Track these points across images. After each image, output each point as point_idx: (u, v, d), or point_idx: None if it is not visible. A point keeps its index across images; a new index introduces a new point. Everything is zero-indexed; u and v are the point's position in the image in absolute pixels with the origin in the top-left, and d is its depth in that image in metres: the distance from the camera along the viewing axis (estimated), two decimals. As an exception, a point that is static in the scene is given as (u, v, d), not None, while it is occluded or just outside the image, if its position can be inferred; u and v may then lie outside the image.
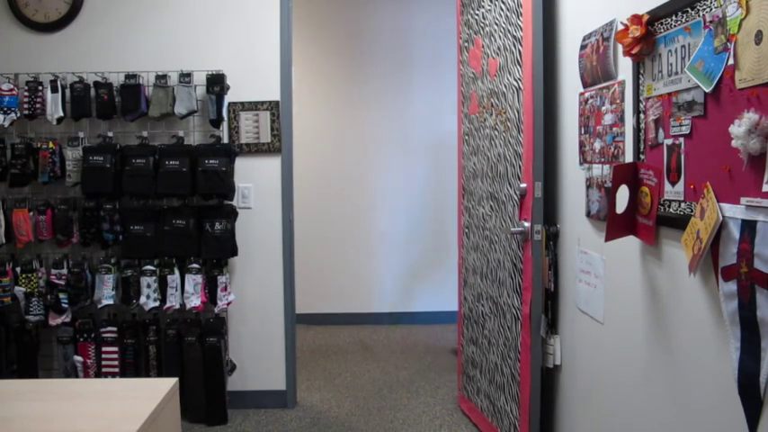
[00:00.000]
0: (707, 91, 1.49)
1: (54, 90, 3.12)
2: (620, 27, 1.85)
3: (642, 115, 1.84)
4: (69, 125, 3.24)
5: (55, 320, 3.15)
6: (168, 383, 1.61)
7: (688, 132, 1.60)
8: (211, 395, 3.19)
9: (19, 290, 3.12)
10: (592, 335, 2.29)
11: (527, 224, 2.51)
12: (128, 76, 3.17)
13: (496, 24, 2.78)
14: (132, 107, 3.17)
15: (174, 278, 3.15)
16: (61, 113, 3.14)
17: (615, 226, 1.91)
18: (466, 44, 3.21)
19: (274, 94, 3.35)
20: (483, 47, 2.96)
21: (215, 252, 3.16)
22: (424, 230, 5.11)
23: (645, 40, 1.76)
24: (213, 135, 3.25)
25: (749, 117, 1.31)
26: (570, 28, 2.44)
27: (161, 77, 3.16)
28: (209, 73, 3.18)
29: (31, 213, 3.15)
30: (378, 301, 5.07)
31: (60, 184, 3.21)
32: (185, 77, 3.17)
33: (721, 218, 1.42)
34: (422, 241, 5.12)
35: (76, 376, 3.16)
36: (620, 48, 1.91)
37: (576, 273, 2.39)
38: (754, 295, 1.32)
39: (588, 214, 2.27)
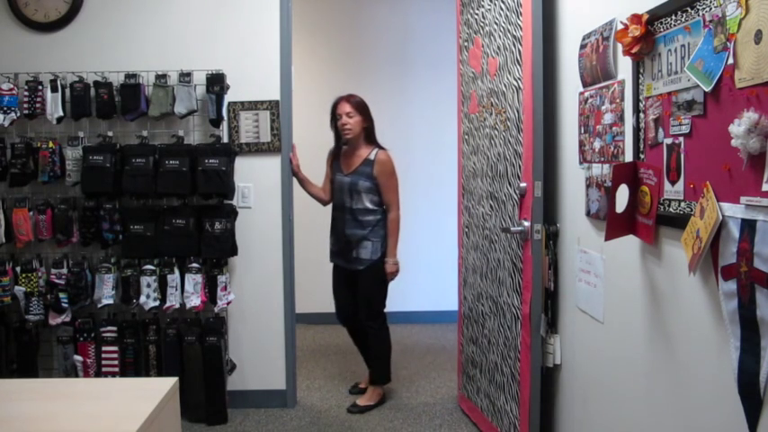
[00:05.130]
0: (706, 90, 1.49)
1: (54, 90, 3.12)
2: (620, 26, 1.85)
3: (642, 114, 1.84)
4: (69, 125, 3.23)
5: (55, 320, 3.15)
6: (168, 383, 1.61)
7: (688, 132, 1.60)
8: (211, 395, 3.19)
9: (19, 289, 3.12)
10: (592, 334, 2.29)
11: (527, 223, 2.51)
12: (127, 76, 3.16)
13: (496, 24, 2.78)
14: (132, 107, 3.16)
15: (173, 278, 3.15)
16: (61, 113, 3.14)
17: (615, 225, 1.91)
18: (466, 43, 3.21)
19: (274, 94, 3.35)
20: (483, 46, 2.95)
21: (215, 251, 3.16)
22: (424, 230, 5.11)
23: (644, 39, 1.76)
24: (213, 134, 3.25)
25: (749, 116, 1.30)
26: (570, 27, 2.44)
27: (161, 77, 3.16)
28: (209, 72, 3.18)
29: (31, 213, 3.15)
30: (378, 300, 5.06)
31: (60, 184, 3.21)
32: (185, 77, 3.17)
33: (721, 217, 1.42)
34: (422, 241, 5.12)
35: (76, 376, 3.16)
36: (619, 47, 1.91)
37: (576, 272, 2.39)
38: (754, 294, 1.32)
39: (588, 213, 2.27)
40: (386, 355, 3.48)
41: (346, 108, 3.33)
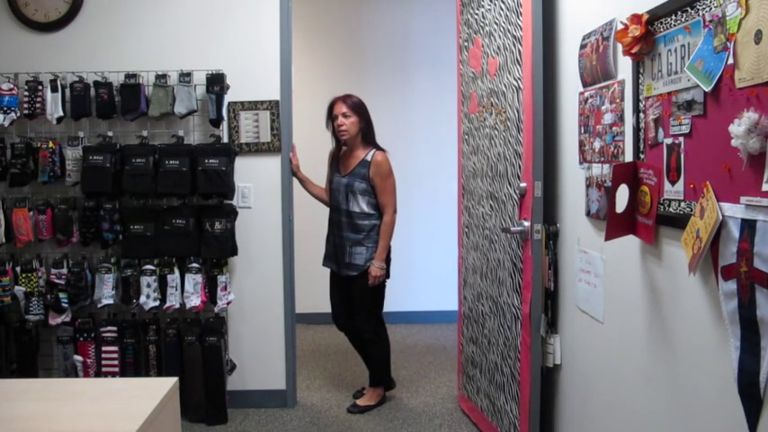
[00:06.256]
0: (706, 90, 1.49)
1: (54, 90, 3.12)
2: (620, 26, 1.85)
3: (642, 114, 1.84)
4: (69, 125, 3.23)
5: (55, 320, 3.15)
6: (168, 383, 1.61)
7: (688, 132, 1.60)
8: (211, 395, 3.19)
9: (19, 289, 3.12)
10: (592, 334, 2.29)
11: (527, 223, 2.51)
12: (128, 76, 3.16)
13: (496, 24, 2.78)
14: (132, 107, 3.16)
15: (173, 278, 3.15)
16: (61, 113, 3.14)
17: (615, 225, 1.91)
18: (466, 43, 3.21)
19: (274, 94, 3.35)
20: (483, 46, 2.96)
21: (215, 252, 3.16)
22: (424, 230, 5.11)
23: (644, 39, 1.76)
24: (213, 134, 3.25)
25: (749, 116, 1.31)
26: (570, 27, 2.44)
27: (161, 77, 3.16)
28: (209, 72, 3.18)
29: (31, 213, 3.15)
30: (378, 300, 5.06)
31: (60, 184, 3.21)
32: (185, 77, 3.17)
33: (721, 217, 1.42)
34: (421, 241, 5.12)
35: (76, 376, 3.16)
36: (619, 47, 1.91)
37: (576, 272, 2.39)
38: (754, 294, 1.32)
39: (588, 213, 2.27)
40: (385, 359, 3.48)
41: (342, 108, 3.31)
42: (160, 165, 3.10)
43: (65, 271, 3.15)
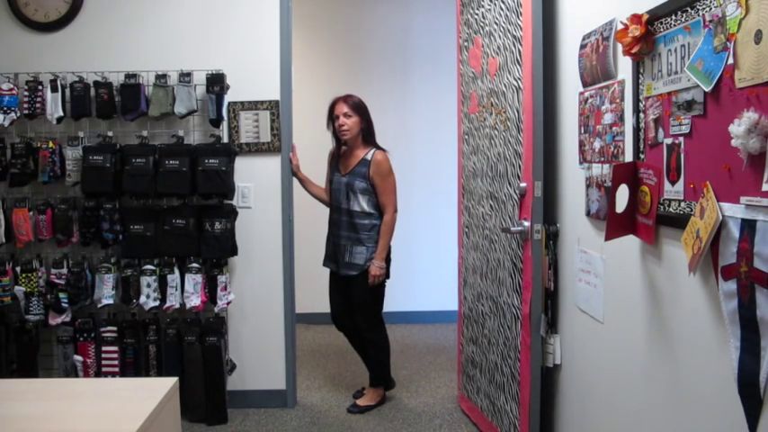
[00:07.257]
0: (707, 90, 1.49)
1: (54, 89, 3.12)
2: (620, 26, 1.85)
3: (642, 114, 1.85)
4: (69, 125, 3.23)
5: (55, 320, 3.15)
6: (168, 383, 1.61)
7: (688, 132, 1.60)
8: (211, 395, 3.19)
9: (19, 289, 3.12)
10: (592, 334, 2.29)
11: (527, 223, 2.51)
12: (128, 76, 3.16)
13: (496, 24, 2.78)
14: (132, 107, 3.16)
15: (173, 278, 3.15)
16: (61, 113, 3.14)
17: (615, 225, 1.91)
18: (466, 43, 3.21)
19: (274, 94, 3.35)
20: (483, 46, 2.96)
21: (215, 252, 3.16)
22: (424, 230, 5.11)
23: (644, 39, 1.76)
24: (213, 134, 3.25)
25: (749, 116, 1.31)
26: (570, 27, 2.44)
27: (161, 77, 3.16)
28: (209, 72, 3.18)
29: (31, 213, 3.15)
30: (378, 300, 5.06)
31: (60, 184, 3.21)
32: (185, 77, 3.17)
33: (721, 217, 1.42)
34: (421, 241, 5.12)
35: (76, 376, 3.16)
36: (619, 47, 1.91)
37: (576, 272, 2.39)
38: (754, 294, 1.32)
39: (588, 213, 2.27)
40: (385, 360, 3.47)
41: (343, 108, 3.31)
42: (160, 165, 3.10)
43: (65, 271, 3.15)
